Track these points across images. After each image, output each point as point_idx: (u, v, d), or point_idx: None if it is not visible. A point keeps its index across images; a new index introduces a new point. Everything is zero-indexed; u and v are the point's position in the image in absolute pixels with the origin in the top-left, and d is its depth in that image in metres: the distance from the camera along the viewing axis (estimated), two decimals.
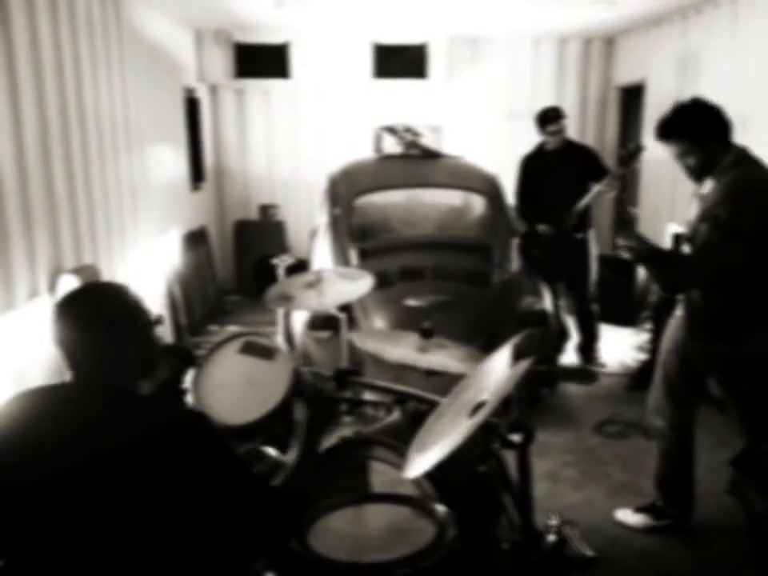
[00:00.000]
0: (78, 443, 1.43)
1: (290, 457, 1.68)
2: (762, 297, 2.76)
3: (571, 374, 5.11)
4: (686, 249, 2.90)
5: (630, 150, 4.44)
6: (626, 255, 2.86)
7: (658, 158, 4.73)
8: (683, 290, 2.96)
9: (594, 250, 5.17)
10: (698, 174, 2.86)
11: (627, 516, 3.26)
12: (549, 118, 5.01)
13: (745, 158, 2.80)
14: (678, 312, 3.03)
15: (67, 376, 1.55)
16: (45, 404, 1.53)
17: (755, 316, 2.78)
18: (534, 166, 5.18)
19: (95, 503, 1.42)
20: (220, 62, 7.18)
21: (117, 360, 1.54)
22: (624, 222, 3.68)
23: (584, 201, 4.76)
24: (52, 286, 3.44)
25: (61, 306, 1.56)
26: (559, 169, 4.96)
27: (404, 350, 2.44)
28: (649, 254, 2.82)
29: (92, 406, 1.50)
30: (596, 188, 4.55)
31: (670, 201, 5.81)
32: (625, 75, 7.34)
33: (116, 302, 1.59)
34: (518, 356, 1.77)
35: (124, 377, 1.56)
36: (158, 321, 1.69)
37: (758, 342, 2.77)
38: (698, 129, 2.80)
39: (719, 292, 2.80)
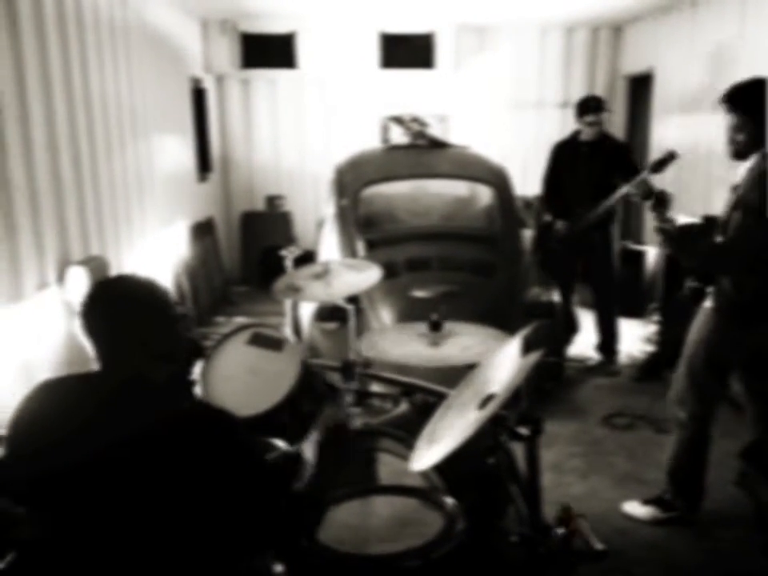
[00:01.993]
0: (103, 433, 1.44)
1: (305, 452, 1.67)
2: None
3: (594, 369, 5.10)
4: (718, 238, 2.89)
5: (661, 157, 4.23)
6: (660, 237, 2.86)
7: (664, 148, 4.71)
8: (714, 278, 2.93)
9: (616, 246, 5.06)
10: (741, 151, 2.83)
11: (635, 508, 3.25)
12: (589, 107, 4.87)
13: None
14: (707, 303, 3.00)
15: (78, 367, 1.56)
16: (70, 394, 1.54)
17: None
18: (564, 155, 5.07)
19: (117, 492, 1.43)
20: (226, 52, 7.16)
21: (146, 352, 1.55)
22: (659, 201, 3.55)
23: (607, 203, 4.63)
24: (60, 277, 3.45)
25: (89, 298, 1.58)
26: (589, 161, 4.84)
27: (416, 349, 2.40)
28: (681, 237, 2.82)
29: (118, 397, 1.51)
30: (622, 190, 4.42)
31: (678, 191, 5.78)
32: (633, 64, 7.28)
33: (146, 294, 1.60)
34: (527, 348, 1.77)
35: (152, 369, 1.57)
36: (185, 315, 1.70)
37: None
38: (760, 105, 2.74)
39: (751, 279, 2.80)
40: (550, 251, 5.00)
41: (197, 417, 1.53)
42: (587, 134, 4.90)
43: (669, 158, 4.05)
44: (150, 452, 1.43)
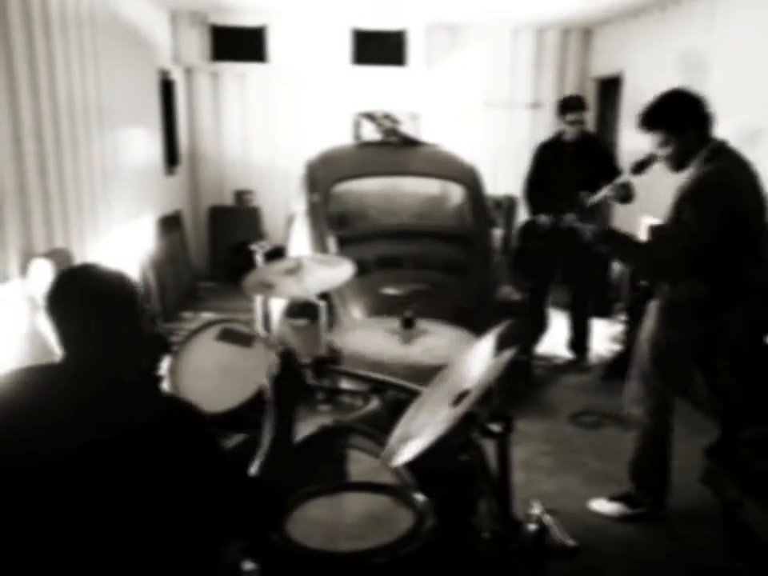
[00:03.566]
0: (68, 428, 1.40)
1: (263, 438, 1.65)
2: (727, 286, 2.83)
3: (564, 367, 5.14)
4: None
5: (642, 159, 4.24)
6: (587, 236, 2.93)
7: (633, 150, 4.76)
8: (653, 278, 3.02)
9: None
10: (675, 164, 2.92)
11: (602, 505, 3.29)
12: (570, 106, 4.89)
13: (720, 151, 2.84)
14: (653, 302, 3.06)
15: (43, 359, 1.52)
16: (35, 385, 1.50)
17: (720, 305, 2.84)
18: (548, 155, 5.06)
19: (81, 489, 1.39)
20: (195, 45, 7.07)
21: (112, 345, 1.51)
22: (578, 204, 3.63)
23: (591, 200, 4.64)
24: (23, 270, 3.37)
25: (54, 288, 1.53)
26: (573, 161, 4.84)
27: (388, 345, 2.39)
28: (606, 235, 2.88)
29: (83, 391, 1.47)
30: (603, 191, 4.43)
31: (646, 193, 5.85)
32: (602, 67, 7.36)
33: (109, 282, 1.56)
34: (500, 345, 1.76)
35: (117, 362, 1.53)
36: (150, 308, 1.67)
37: (724, 326, 2.86)
38: (675, 118, 2.85)
39: (686, 283, 2.87)
40: (530, 250, 5.00)
41: (164, 413, 1.50)
42: (570, 134, 4.91)
43: (649, 161, 4.08)
44: (117, 449, 1.40)
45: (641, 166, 4.11)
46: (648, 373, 3.09)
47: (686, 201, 2.78)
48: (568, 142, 4.94)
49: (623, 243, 3.01)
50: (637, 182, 4.03)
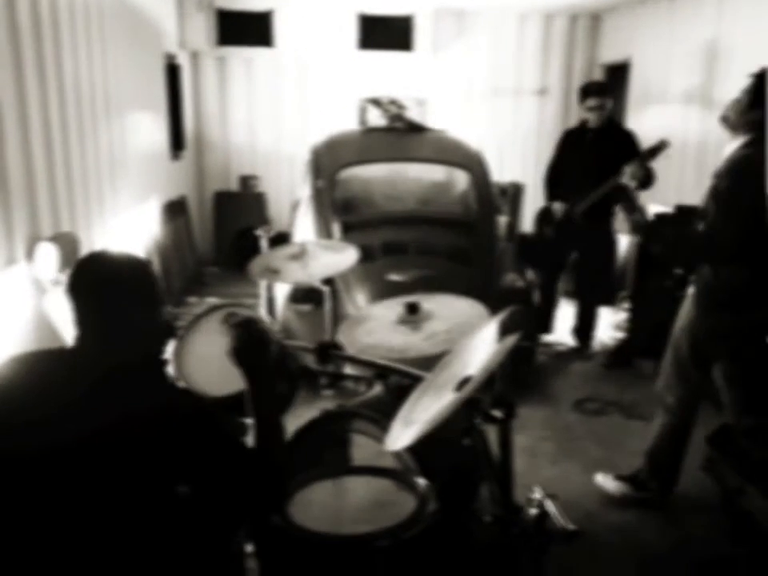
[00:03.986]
0: (73, 413, 1.41)
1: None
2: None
3: (567, 354, 5.15)
4: (700, 227, 2.92)
5: (654, 145, 4.21)
6: (632, 231, 2.88)
7: (640, 137, 4.75)
8: (695, 266, 2.96)
9: (614, 237, 5.02)
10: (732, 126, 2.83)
11: (607, 481, 3.30)
12: (589, 91, 4.83)
13: (757, 140, 2.79)
14: (690, 291, 3.03)
15: (47, 344, 1.53)
16: (44, 370, 1.51)
17: (762, 292, 2.80)
18: (571, 142, 5.03)
19: (85, 475, 1.40)
20: (202, 29, 7.04)
21: (127, 331, 1.53)
22: (623, 193, 3.58)
23: (600, 190, 4.60)
24: (29, 254, 3.38)
25: (75, 273, 1.55)
26: (595, 149, 4.78)
27: (395, 336, 2.38)
28: (651, 227, 2.85)
29: (88, 376, 1.47)
30: (618, 178, 4.38)
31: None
32: (610, 53, 7.32)
33: (131, 271, 1.58)
34: (504, 331, 1.77)
35: (131, 347, 1.54)
36: (163, 290, 1.67)
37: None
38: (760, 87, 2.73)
39: (728, 267, 2.82)
40: (543, 238, 4.98)
41: (171, 400, 1.51)
42: (593, 121, 4.83)
43: (661, 147, 4.06)
44: (122, 435, 1.40)
45: (652, 153, 4.10)
46: (684, 363, 3.06)
47: (725, 179, 2.72)
48: (591, 129, 4.87)
49: (674, 237, 2.95)
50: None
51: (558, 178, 5.02)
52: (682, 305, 3.09)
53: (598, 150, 4.76)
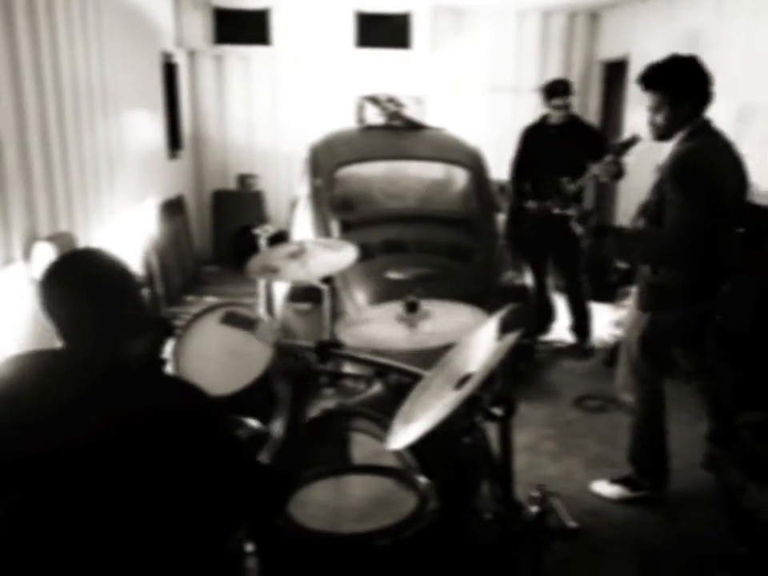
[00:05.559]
0: (71, 414, 1.39)
1: (273, 429, 1.65)
2: (710, 269, 2.78)
3: (566, 350, 5.14)
4: (639, 222, 2.91)
5: (625, 140, 4.23)
6: (577, 228, 2.88)
7: (631, 132, 4.73)
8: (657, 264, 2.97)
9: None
10: (660, 132, 2.83)
11: (603, 488, 3.30)
12: (556, 91, 4.84)
13: (703, 129, 2.77)
14: (634, 288, 3.04)
15: (44, 345, 1.52)
16: (41, 371, 1.49)
17: (705, 288, 2.81)
18: (533, 138, 5.03)
19: (82, 477, 1.39)
20: (199, 27, 7.03)
21: (111, 327, 1.51)
22: (559, 191, 3.65)
23: (576, 183, 4.55)
24: (27, 254, 3.37)
25: (49, 275, 1.51)
26: (559, 144, 4.81)
27: (394, 333, 2.38)
28: (600, 230, 2.86)
29: (86, 376, 1.46)
30: (591, 171, 4.41)
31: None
32: (609, 50, 7.31)
33: (105, 267, 1.55)
34: (504, 329, 1.76)
35: (118, 343, 1.52)
36: (143, 283, 1.66)
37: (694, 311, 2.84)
38: (678, 84, 2.76)
39: (666, 267, 2.83)
40: (520, 233, 4.98)
41: (171, 397, 1.50)
42: (555, 118, 4.88)
43: (632, 141, 4.08)
44: (121, 436, 1.39)
45: (624, 147, 4.12)
46: (636, 361, 3.07)
47: (668, 182, 2.71)
48: (553, 124, 4.91)
49: (617, 234, 2.95)
50: (643, 178, 4.03)
51: (526, 176, 5.01)
52: (630, 303, 3.09)
53: (564, 146, 4.78)
